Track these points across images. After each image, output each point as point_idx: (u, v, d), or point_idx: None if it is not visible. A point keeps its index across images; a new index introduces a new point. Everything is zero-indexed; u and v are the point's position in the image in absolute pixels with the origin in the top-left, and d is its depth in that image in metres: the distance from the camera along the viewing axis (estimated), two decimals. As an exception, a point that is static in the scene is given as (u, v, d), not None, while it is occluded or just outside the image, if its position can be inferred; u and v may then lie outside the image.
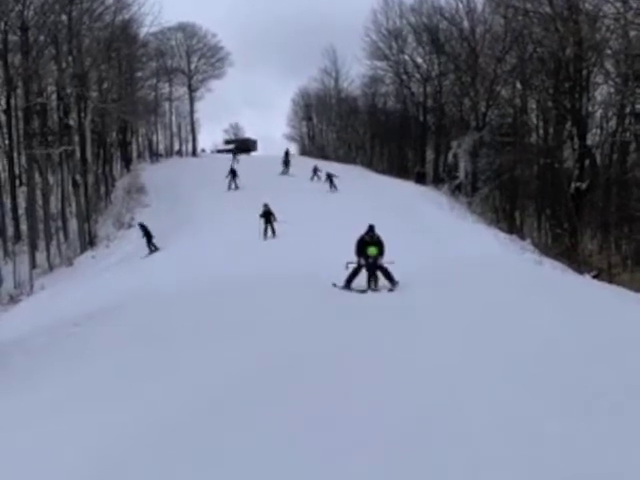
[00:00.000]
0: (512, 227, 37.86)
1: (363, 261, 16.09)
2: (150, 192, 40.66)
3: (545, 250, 30.64)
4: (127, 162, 51.46)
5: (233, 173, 40.22)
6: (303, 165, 44.75)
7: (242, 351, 9.72)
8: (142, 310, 14.64)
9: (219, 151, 67.26)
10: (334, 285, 15.54)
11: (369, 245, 16.09)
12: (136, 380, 8.81)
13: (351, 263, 16.07)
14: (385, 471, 5.37)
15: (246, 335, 10.91)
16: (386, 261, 15.96)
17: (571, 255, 30.73)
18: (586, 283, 20.01)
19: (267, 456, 5.70)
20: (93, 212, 36.29)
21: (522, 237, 33.33)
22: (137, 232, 30.02)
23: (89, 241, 34.27)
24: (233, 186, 39.37)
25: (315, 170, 41.67)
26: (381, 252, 16.11)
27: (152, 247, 28.28)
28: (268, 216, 27.44)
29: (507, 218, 40.17)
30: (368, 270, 16.02)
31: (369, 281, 15.97)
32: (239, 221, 28.83)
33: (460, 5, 48.50)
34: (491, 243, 26.63)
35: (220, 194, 36.85)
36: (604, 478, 5.20)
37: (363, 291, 15.52)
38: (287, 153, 48.60)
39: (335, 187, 37.75)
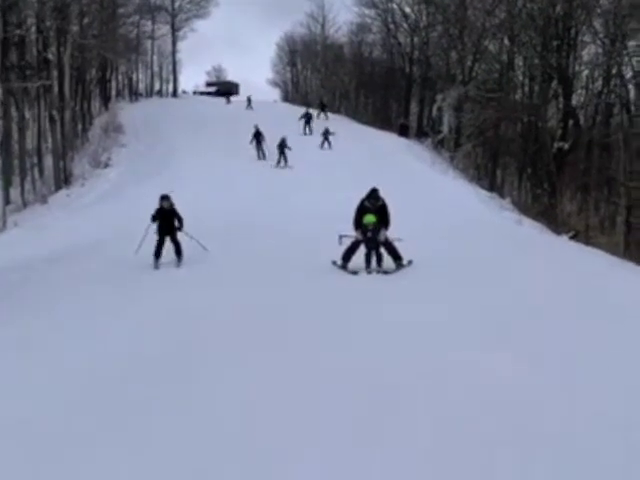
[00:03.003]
0: (493, 185, 37.77)
1: (361, 235, 13.10)
2: (128, 132, 40.11)
3: (524, 209, 30.65)
4: (106, 100, 50.49)
5: (258, 137, 33.07)
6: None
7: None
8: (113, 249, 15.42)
9: (201, 93, 66.34)
10: (334, 263, 12.97)
11: (368, 213, 13.05)
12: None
13: (345, 236, 13.32)
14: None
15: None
16: (390, 238, 13.15)
17: (550, 215, 30.72)
18: (561, 244, 20.01)
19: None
20: (69, 149, 35.53)
21: (502, 195, 33.31)
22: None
23: (64, 179, 33.67)
24: (261, 155, 32.71)
25: (326, 133, 36.41)
26: (384, 222, 13.07)
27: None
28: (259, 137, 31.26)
29: (488, 175, 40.02)
30: (367, 245, 13.16)
31: (368, 260, 13.16)
32: (219, 165, 28.83)
33: (451, -46, 47.64)
34: (471, 200, 26.59)
35: (200, 137, 36.25)
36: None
37: (354, 272, 12.84)
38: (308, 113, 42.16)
39: (329, 145, 35.86)
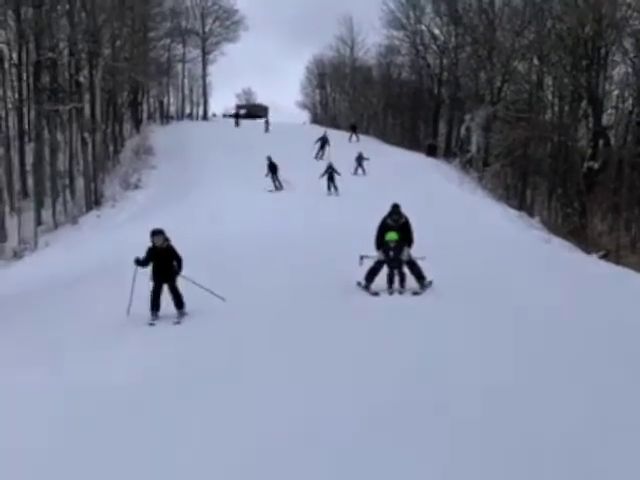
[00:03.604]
0: (522, 204, 37.49)
1: (382, 255, 12.55)
2: (158, 154, 40.46)
3: (554, 229, 30.36)
4: (137, 123, 51.07)
5: (272, 169, 31.28)
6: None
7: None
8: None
9: (230, 116, 66.84)
10: (359, 284, 12.53)
11: (390, 230, 12.51)
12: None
13: (366, 257, 12.77)
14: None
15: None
16: (414, 257, 12.63)
17: (580, 235, 30.43)
18: (592, 262, 19.80)
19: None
20: (100, 171, 35.95)
21: (531, 215, 33.05)
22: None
23: (95, 200, 34.04)
24: (277, 184, 31.09)
25: (359, 159, 34.13)
26: (407, 240, 12.58)
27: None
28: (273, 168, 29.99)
29: (517, 195, 39.76)
30: (389, 265, 12.59)
31: (390, 280, 12.58)
32: (246, 186, 28.97)
33: (480, -23, 47.74)
34: (499, 219, 26.40)
35: (229, 158, 36.40)
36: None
37: (376, 293, 12.35)
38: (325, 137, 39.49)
39: (364, 171, 33.46)
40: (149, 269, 11.07)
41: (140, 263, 10.95)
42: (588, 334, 9.55)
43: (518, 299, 11.88)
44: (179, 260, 11.07)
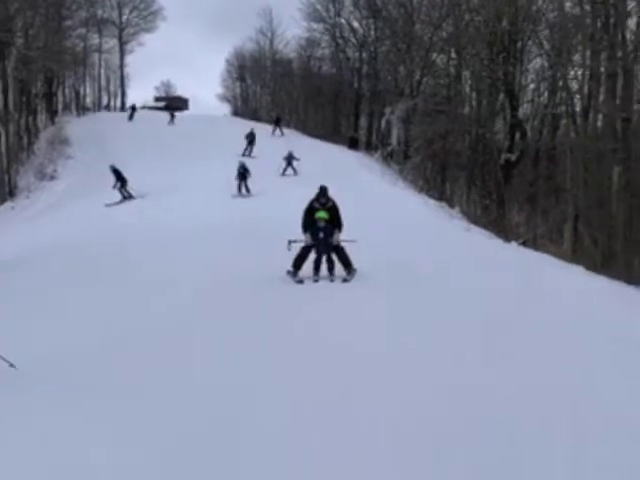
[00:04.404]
0: (442, 196, 37.92)
1: (310, 239, 12.21)
2: (74, 144, 39.45)
3: (474, 219, 30.78)
4: (52, 114, 49.68)
5: (250, 138, 35.96)
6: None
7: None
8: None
9: (150, 108, 65.71)
10: (288, 273, 12.03)
11: (318, 211, 12.31)
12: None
13: (295, 241, 12.35)
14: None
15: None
16: (345, 239, 12.42)
17: (498, 225, 30.94)
18: (513, 248, 20.18)
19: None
20: (14, 162, 34.88)
21: (451, 205, 33.45)
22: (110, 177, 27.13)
23: (9, 191, 33.07)
24: (247, 152, 34.97)
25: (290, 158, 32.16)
26: (336, 222, 12.36)
27: (125, 193, 26.68)
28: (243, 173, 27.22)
29: (437, 188, 40.21)
30: (317, 250, 12.30)
31: (316, 266, 12.29)
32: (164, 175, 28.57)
33: (399, -31, 48.07)
34: (421, 209, 26.63)
35: (149, 149, 35.82)
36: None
37: (300, 281, 12.00)
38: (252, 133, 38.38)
39: (294, 171, 31.46)
40: None
41: None
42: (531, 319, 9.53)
43: (450, 283, 11.97)
44: None
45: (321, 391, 6.35)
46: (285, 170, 31.49)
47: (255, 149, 36.02)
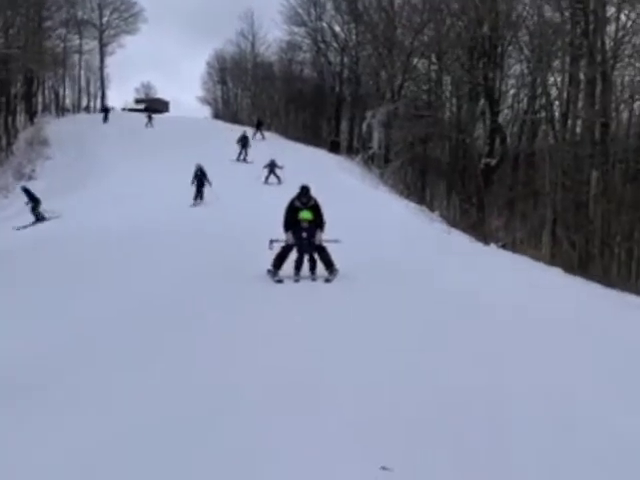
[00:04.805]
0: (422, 201, 38.10)
1: (291, 238, 12.03)
2: (54, 145, 39.25)
3: (453, 223, 30.94)
4: (31, 115, 49.41)
5: (244, 142, 35.41)
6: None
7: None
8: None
9: (130, 110, 65.40)
10: (268, 272, 11.81)
11: (301, 211, 12.09)
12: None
13: (277, 241, 12.18)
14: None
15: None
16: (328, 239, 12.23)
17: (478, 229, 31.09)
18: (493, 250, 20.35)
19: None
20: (-8, 162, 34.73)
21: (431, 209, 33.62)
22: (22, 197, 24.72)
23: (-14, 191, 32.82)
24: (242, 157, 34.78)
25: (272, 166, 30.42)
26: (318, 222, 12.13)
27: (38, 215, 23.16)
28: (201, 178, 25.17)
29: (417, 192, 40.37)
30: (299, 249, 12.13)
31: (297, 266, 12.09)
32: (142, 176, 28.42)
33: (380, -26, 48.32)
34: (401, 212, 26.71)
35: (127, 150, 35.70)
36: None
37: (280, 281, 11.73)
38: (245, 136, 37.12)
39: (278, 179, 29.60)
40: None
41: None
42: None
43: (434, 283, 11.98)
44: None
45: (298, 395, 6.28)
46: (267, 178, 29.91)
47: (250, 152, 35.28)
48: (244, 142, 35.87)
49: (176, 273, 12.26)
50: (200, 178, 25.15)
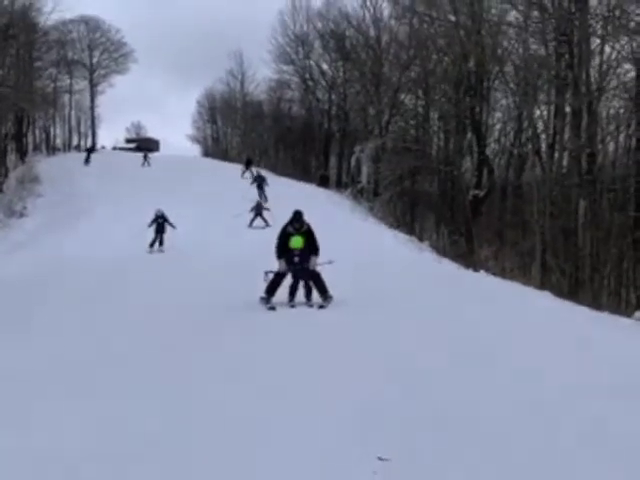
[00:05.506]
0: (411, 232, 38.20)
1: (284, 265, 12.00)
2: (45, 183, 39.32)
3: (443, 253, 31.03)
4: (22, 154, 49.50)
5: (259, 181, 33.30)
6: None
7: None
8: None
9: (120, 149, 65.68)
10: (261, 299, 11.78)
11: (293, 237, 12.00)
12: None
13: (271, 272, 12.08)
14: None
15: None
16: (321, 262, 12.27)
17: (467, 259, 31.18)
18: (482, 275, 20.42)
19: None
20: (-18, 200, 34.67)
21: (421, 239, 33.74)
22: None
23: (-24, 228, 32.68)
24: (262, 198, 31.37)
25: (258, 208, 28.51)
26: (312, 247, 12.09)
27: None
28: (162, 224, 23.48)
29: (406, 225, 40.48)
30: (294, 276, 12.08)
31: (292, 292, 12.02)
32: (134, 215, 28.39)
33: (367, 13, 49.21)
34: (391, 242, 26.84)
35: (120, 188, 35.77)
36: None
37: (272, 308, 11.64)
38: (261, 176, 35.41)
39: (265, 222, 27.33)
40: None
41: None
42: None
43: (428, 311, 11.82)
44: None
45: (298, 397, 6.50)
46: (253, 221, 27.98)
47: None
48: (259, 182, 33.86)
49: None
50: (161, 224, 23.54)
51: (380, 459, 4.97)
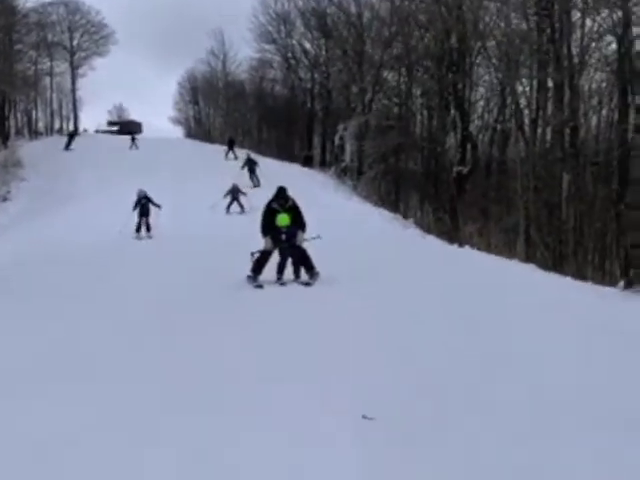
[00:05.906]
0: (396, 211, 38.22)
1: (270, 243, 11.79)
2: (28, 167, 38.99)
3: (427, 230, 31.09)
4: (5, 138, 48.97)
5: (250, 164, 31.95)
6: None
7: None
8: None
9: (104, 132, 65.10)
10: (248, 278, 11.56)
11: (279, 214, 11.72)
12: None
13: (257, 253, 11.83)
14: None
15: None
16: (309, 237, 12.20)
17: (452, 236, 31.26)
18: (467, 250, 20.48)
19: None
20: (-36, 185, 34.37)
21: (405, 217, 33.80)
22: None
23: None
24: (255, 183, 30.78)
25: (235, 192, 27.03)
26: (298, 223, 11.84)
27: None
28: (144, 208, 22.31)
29: (391, 203, 40.47)
30: (281, 253, 11.93)
31: (280, 269, 11.90)
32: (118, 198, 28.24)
33: (347, -10, 48.69)
34: (376, 220, 26.89)
35: (104, 171, 35.51)
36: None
37: (259, 286, 11.45)
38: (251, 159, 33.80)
39: (242, 207, 26.59)
40: None
41: None
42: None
43: (419, 281, 11.98)
44: None
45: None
46: (230, 206, 26.91)
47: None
48: (250, 166, 32.76)
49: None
50: (144, 204, 22.34)
51: (364, 417, 5.08)
